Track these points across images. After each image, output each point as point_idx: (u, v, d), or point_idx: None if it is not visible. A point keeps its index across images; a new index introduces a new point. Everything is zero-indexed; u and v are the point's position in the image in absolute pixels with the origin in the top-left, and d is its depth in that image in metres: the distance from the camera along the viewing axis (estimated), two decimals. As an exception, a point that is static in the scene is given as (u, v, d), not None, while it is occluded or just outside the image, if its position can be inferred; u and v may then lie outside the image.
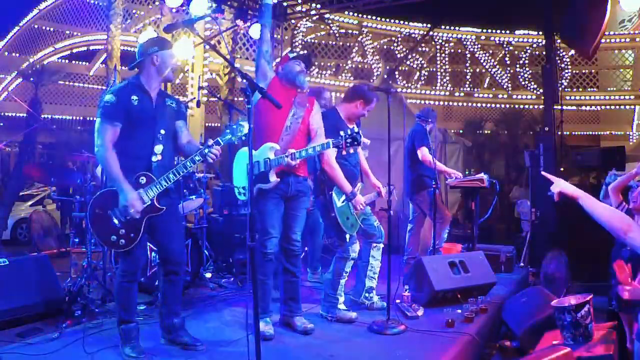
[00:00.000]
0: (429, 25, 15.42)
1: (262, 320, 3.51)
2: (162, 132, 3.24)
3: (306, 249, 5.36)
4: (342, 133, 3.46)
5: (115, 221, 3.10)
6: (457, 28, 15.92)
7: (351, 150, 3.61)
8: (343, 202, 3.92)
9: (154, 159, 3.19)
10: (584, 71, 16.06)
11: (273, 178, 3.54)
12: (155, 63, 3.22)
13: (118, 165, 3.09)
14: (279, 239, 3.68)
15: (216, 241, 5.52)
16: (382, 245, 4.29)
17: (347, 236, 3.96)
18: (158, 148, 3.20)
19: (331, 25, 14.46)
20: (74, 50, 14.13)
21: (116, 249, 3.33)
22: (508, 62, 16.02)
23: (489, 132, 15.99)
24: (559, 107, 7.92)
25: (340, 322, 3.96)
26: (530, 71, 15.61)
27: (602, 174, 6.91)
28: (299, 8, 8.99)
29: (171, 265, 3.34)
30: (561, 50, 14.46)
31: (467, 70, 16.28)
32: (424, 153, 5.36)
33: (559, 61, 14.03)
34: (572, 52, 14.69)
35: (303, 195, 3.75)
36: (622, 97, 15.88)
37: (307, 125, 3.73)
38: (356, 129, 3.64)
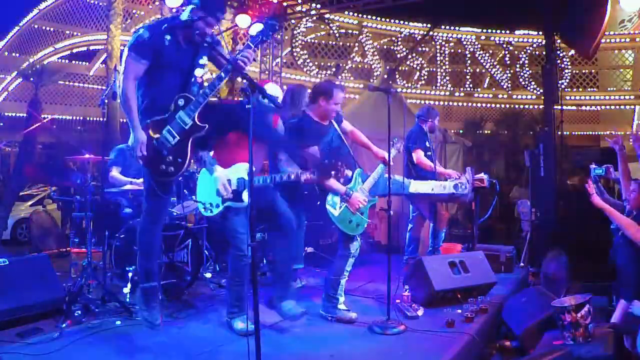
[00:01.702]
0: (429, 25, 15.42)
1: (240, 318, 3.60)
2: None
3: None
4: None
5: (161, 149, 3.05)
6: (457, 28, 15.90)
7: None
8: (340, 208, 3.90)
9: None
10: (584, 71, 16.05)
11: (246, 199, 3.51)
12: None
13: (135, 101, 3.06)
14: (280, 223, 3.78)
15: (216, 241, 5.51)
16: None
17: (357, 237, 3.99)
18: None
19: (331, 25, 14.45)
20: (74, 50, 14.12)
21: (167, 178, 3.22)
22: (508, 62, 16.01)
23: (489, 132, 15.95)
24: (559, 107, 7.92)
25: (340, 322, 3.96)
26: (530, 71, 15.60)
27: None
28: (299, 8, 8.99)
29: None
30: (561, 50, 14.44)
31: (467, 70, 16.26)
32: (418, 155, 5.34)
33: (559, 61, 14.01)
34: (572, 52, 14.68)
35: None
36: (622, 97, 15.86)
37: None
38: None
